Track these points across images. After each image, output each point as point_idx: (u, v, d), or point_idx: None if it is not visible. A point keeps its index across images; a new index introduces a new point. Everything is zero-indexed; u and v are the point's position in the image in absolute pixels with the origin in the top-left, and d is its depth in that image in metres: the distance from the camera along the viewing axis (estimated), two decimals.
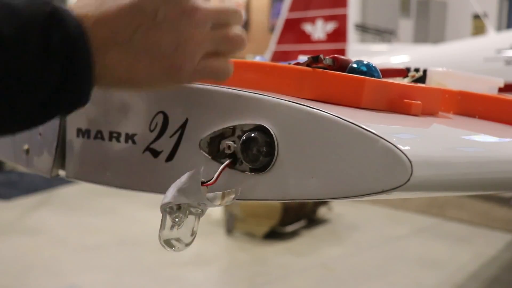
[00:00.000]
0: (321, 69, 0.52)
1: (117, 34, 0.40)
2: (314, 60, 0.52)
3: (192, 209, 0.47)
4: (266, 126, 0.46)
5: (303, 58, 0.54)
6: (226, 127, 0.49)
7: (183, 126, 0.53)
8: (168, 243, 0.48)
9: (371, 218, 3.10)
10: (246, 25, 8.58)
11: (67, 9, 0.38)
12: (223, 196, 0.47)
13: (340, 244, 2.67)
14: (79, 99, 0.39)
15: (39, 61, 0.35)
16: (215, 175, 0.46)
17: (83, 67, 0.38)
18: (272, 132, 0.46)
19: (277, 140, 0.46)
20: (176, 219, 0.47)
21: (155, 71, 0.42)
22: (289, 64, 0.55)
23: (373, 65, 0.54)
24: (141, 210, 2.94)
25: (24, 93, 0.35)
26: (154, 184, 0.54)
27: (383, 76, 0.55)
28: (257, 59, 0.66)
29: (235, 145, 0.48)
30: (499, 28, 7.05)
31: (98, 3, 0.40)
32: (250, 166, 0.47)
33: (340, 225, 2.93)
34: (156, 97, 0.56)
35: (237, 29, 0.46)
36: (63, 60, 0.36)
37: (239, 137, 0.48)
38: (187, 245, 0.48)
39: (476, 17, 7.25)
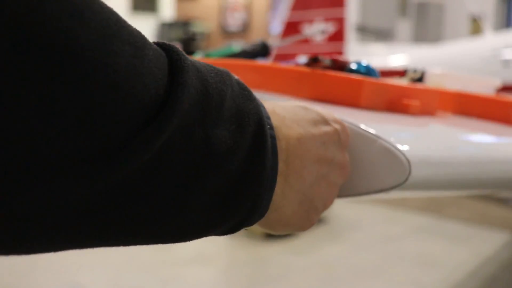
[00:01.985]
0: (320, 70, 0.52)
1: (304, 176, 0.33)
2: (313, 61, 0.53)
3: None
4: None
5: (302, 59, 0.55)
6: None
7: None
8: None
9: (371, 217, 3.10)
10: (246, 27, 8.58)
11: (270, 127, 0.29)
12: None
13: (339, 243, 2.68)
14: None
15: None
16: None
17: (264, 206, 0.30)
18: None
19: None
20: None
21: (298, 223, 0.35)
22: (288, 65, 0.56)
23: (372, 65, 0.55)
24: None
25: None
26: None
27: (382, 77, 0.56)
28: (257, 60, 0.67)
29: None
30: (496, 29, 7.06)
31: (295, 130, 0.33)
32: None
33: (340, 225, 2.94)
34: None
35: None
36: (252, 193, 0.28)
37: None
38: None
39: (474, 18, 7.25)
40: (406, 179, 0.38)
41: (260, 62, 0.65)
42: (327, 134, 0.35)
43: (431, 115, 0.60)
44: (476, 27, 7.16)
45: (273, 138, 0.30)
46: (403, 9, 7.98)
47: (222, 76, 0.28)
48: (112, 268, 2.26)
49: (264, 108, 0.31)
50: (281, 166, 0.31)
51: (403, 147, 0.39)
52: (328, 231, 2.82)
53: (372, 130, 0.40)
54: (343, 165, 0.37)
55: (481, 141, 0.59)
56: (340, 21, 3.31)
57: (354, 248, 2.62)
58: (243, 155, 0.27)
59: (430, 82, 0.75)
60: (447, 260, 2.47)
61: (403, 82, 0.69)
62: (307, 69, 0.52)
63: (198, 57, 0.63)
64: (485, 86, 0.79)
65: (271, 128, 0.30)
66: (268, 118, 0.30)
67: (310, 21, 3.42)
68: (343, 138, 0.37)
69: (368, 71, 0.54)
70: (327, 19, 3.36)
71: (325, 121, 0.36)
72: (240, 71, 0.56)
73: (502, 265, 2.42)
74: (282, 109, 0.34)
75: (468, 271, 2.33)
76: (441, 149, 0.46)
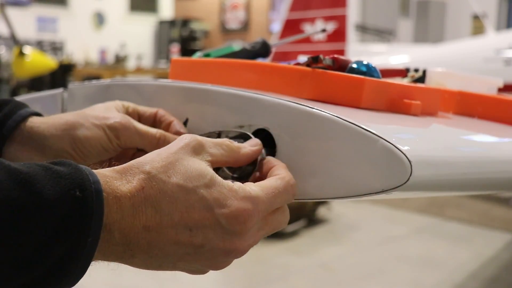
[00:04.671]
0: (321, 69, 0.52)
1: (152, 250, 0.36)
2: (314, 60, 0.52)
3: None
4: (266, 126, 0.46)
5: (303, 59, 0.55)
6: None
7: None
8: None
9: (371, 218, 3.10)
10: (246, 25, 8.58)
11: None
12: None
13: (339, 244, 2.67)
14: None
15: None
16: None
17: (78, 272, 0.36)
18: (271, 132, 0.46)
19: (276, 140, 0.46)
20: None
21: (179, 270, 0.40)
22: (289, 64, 0.55)
23: (373, 65, 0.54)
24: None
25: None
26: None
27: (383, 76, 0.56)
28: (257, 59, 0.66)
29: None
30: (498, 28, 7.05)
31: (153, 211, 0.35)
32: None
33: (340, 225, 2.94)
34: (157, 97, 0.56)
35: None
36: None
37: None
38: None
39: (476, 17, 7.25)
40: (408, 180, 0.38)
41: (260, 61, 0.65)
42: (197, 220, 0.36)
43: (433, 115, 0.59)
44: (478, 27, 7.15)
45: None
46: (404, 8, 7.97)
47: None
48: (110, 269, 2.25)
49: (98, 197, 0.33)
50: (118, 249, 0.36)
51: (405, 148, 0.39)
52: (328, 231, 2.82)
53: (373, 130, 0.40)
54: (226, 251, 0.38)
55: (483, 141, 0.59)
56: (341, 21, 3.31)
57: (354, 249, 2.62)
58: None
59: (432, 82, 0.74)
60: (448, 260, 2.47)
61: (404, 81, 0.69)
62: (307, 69, 0.52)
63: (197, 57, 0.63)
64: (487, 85, 0.78)
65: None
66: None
67: (312, 20, 3.42)
68: (235, 222, 0.37)
69: (369, 71, 0.53)
70: (328, 19, 3.35)
71: (208, 207, 0.36)
72: (240, 70, 0.56)
73: (503, 266, 2.41)
74: (157, 191, 0.35)
75: (469, 272, 2.32)
76: (443, 150, 0.45)
